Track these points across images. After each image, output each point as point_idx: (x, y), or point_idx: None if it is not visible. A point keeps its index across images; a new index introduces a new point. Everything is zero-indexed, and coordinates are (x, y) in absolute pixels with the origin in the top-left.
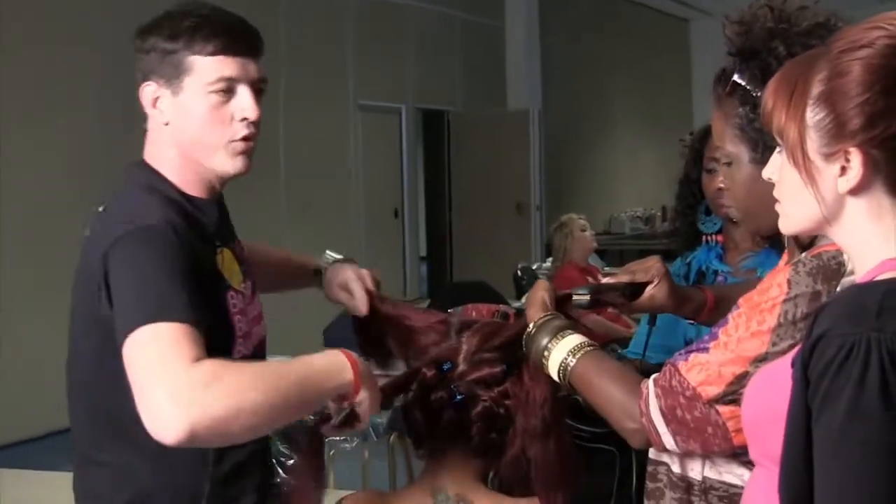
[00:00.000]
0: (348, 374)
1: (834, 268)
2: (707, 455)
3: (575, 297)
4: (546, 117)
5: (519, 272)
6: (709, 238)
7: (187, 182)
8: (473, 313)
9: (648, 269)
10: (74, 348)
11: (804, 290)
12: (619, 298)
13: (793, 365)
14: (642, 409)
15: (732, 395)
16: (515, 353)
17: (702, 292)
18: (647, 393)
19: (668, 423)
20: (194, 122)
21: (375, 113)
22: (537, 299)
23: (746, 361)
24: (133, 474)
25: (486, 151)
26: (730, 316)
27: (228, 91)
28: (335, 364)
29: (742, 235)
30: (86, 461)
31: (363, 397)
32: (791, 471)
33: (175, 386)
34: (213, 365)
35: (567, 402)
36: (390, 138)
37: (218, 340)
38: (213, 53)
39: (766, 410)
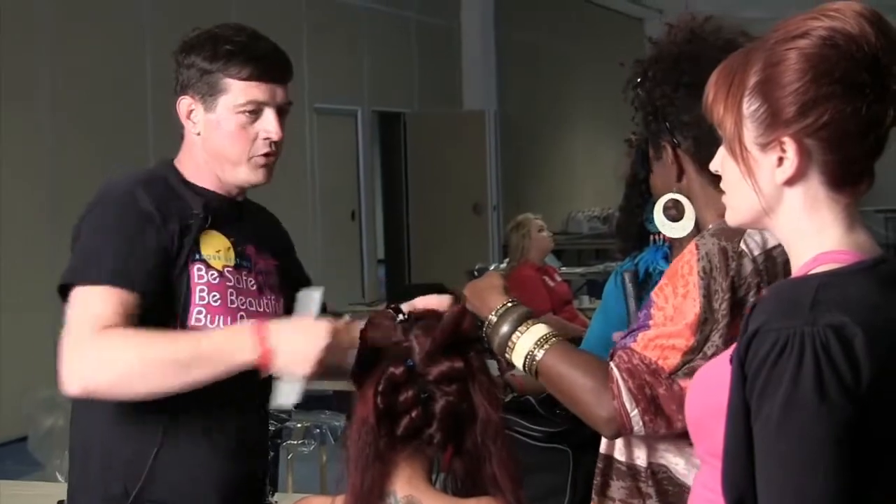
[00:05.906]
0: (245, 356)
1: (734, 227)
2: (650, 443)
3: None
4: (503, 117)
5: (476, 272)
6: (656, 238)
7: (205, 179)
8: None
9: None
10: None
11: (711, 248)
12: None
13: (731, 361)
14: (614, 392)
15: (690, 363)
16: (469, 347)
17: None
18: (616, 376)
19: (637, 403)
20: (223, 137)
21: (331, 116)
22: (495, 284)
23: (690, 329)
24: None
25: (443, 152)
26: (652, 294)
27: (255, 112)
28: (231, 343)
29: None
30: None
31: (287, 362)
32: (733, 467)
33: (74, 352)
34: (111, 337)
35: (515, 403)
36: (347, 141)
37: (165, 300)
38: (246, 79)
39: (709, 408)
